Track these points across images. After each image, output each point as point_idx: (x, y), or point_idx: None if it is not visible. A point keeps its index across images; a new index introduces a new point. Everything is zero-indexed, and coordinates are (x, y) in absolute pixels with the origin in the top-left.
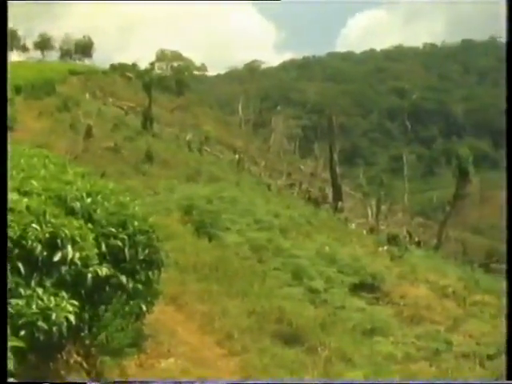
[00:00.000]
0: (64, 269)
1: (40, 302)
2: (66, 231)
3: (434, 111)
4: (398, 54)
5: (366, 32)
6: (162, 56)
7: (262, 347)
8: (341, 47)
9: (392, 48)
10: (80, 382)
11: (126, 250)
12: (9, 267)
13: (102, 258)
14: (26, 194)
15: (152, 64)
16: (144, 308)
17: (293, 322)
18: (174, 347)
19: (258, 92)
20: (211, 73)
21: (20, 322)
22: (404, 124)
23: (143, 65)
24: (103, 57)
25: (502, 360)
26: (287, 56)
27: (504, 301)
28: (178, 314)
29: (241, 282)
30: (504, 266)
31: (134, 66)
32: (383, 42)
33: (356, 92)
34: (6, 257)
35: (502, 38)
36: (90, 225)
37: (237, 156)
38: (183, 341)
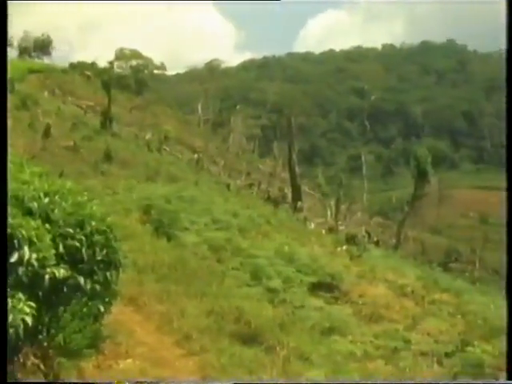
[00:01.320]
0: (21, 270)
1: None
2: (23, 232)
3: (392, 112)
4: (357, 55)
5: (326, 32)
6: (121, 55)
7: (220, 347)
8: (300, 47)
9: (351, 49)
10: (85, 382)
11: (84, 250)
12: None
13: (60, 258)
14: None
15: (111, 63)
16: (102, 309)
17: (251, 322)
18: (132, 348)
19: (218, 91)
20: (171, 72)
21: None
22: (363, 124)
23: (102, 64)
24: (62, 55)
25: (459, 358)
26: (247, 56)
27: (463, 299)
28: (136, 315)
29: (199, 282)
30: (460, 265)
31: (93, 64)
32: (343, 43)
33: (315, 92)
34: (6, 257)
35: (461, 40)
36: (47, 225)
37: (196, 156)
38: (141, 341)
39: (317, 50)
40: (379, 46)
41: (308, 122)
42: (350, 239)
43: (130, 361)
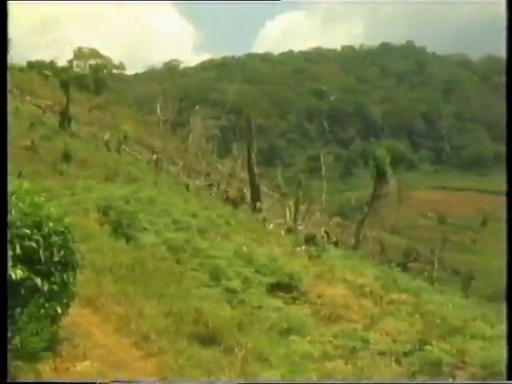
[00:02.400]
0: None
1: None
2: None
3: (352, 112)
4: (316, 56)
5: (285, 33)
6: (79, 54)
7: (178, 348)
8: (260, 48)
9: (311, 50)
10: (82, 382)
11: (41, 251)
12: None
13: (17, 259)
14: None
15: (70, 62)
16: (60, 310)
17: (210, 323)
18: (89, 350)
19: (177, 92)
20: (130, 72)
21: None
22: (322, 125)
23: (61, 63)
24: (20, 54)
25: (417, 357)
26: (206, 56)
27: (421, 298)
28: (94, 316)
29: (158, 282)
30: (419, 264)
31: (52, 63)
32: (302, 44)
33: (274, 93)
34: (6, 258)
35: (420, 42)
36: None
37: (155, 156)
38: (99, 343)
39: (276, 50)
40: (338, 48)
41: (267, 123)
42: (309, 239)
43: (87, 363)
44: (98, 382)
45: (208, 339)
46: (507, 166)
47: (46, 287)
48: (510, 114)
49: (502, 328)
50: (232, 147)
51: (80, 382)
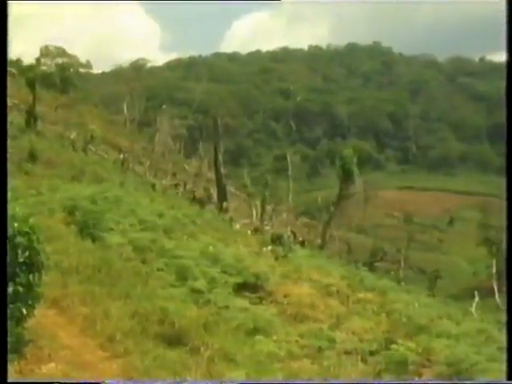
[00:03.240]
0: None
1: None
2: None
3: (318, 112)
4: (283, 56)
5: (251, 33)
6: (46, 52)
7: (144, 349)
8: (227, 48)
9: (277, 49)
10: (81, 382)
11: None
12: None
13: None
14: None
15: (36, 60)
16: (25, 312)
17: (176, 323)
18: (55, 351)
19: (144, 91)
20: (96, 70)
21: None
22: (289, 125)
23: (27, 61)
24: None
25: (383, 356)
26: (173, 56)
27: (388, 298)
28: (59, 318)
29: (124, 283)
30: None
31: (18, 61)
32: (269, 44)
33: (241, 92)
34: (6, 259)
35: (386, 42)
36: None
37: (121, 156)
38: (65, 345)
39: (243, 50)
40: (305, 47)
41: (234, 123)
42: (276, 239)
43: (52, 365)
44: (103, 381)
45: (174, 339)
46: (507, 166)
47: (10, 288)
48: (509, 116)
49: (468, 326)
50: (199, 147)
51: (81, 382)
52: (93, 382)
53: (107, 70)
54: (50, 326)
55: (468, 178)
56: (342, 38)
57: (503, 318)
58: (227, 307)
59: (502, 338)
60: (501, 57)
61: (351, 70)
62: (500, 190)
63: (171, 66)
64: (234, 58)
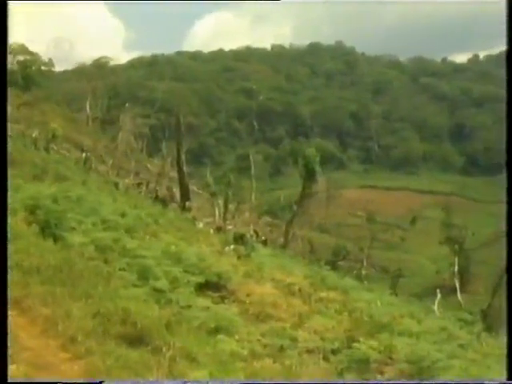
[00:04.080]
0: None
1: None
2: None
3: (281, 112)
4: (246, 55)
5: (214, 33)
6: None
7: (106, 350)
8: (189, 47)
9: (240, 48)
10: (81, 382)
11: None
12: None
13: None
14: None
15: None
16: None
17: (138, 323)
18: (16, 353)
19: (106, 89)
20: (59, 68)
21: None
22: (251, 124)
23: None
24: None
25: (345, 354)
26: (136, 54)
27: (350, 296)
28: (20, 318)
29: (85, 283)
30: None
31: None
32: (232, 43)
33: (204, 91)
34: (6, 256)
35: (349, 42)
36: None
37: (84, 154)
38: (26, 346)
39: (206, 49)
40: (268, 47)
41: (197, 122)
42: (238, 238)
43: (14, 367)
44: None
45: (136, 340)
46: (507, 166)
47: None
48: (509, 115)
49: (429, 324)
50: (161, 146)
51: (82, 381)
52: (93, 382)
53: (70, 67)
54: (11, 327)
55: (430, 178)
56: (305, 37)
57: (465, 315)
58: (189, 307)
59: (463, 335)
60: (463, 57)
61: (314, 70)
62: (462, 189)
63: (134, 64)
64: (196, 56)
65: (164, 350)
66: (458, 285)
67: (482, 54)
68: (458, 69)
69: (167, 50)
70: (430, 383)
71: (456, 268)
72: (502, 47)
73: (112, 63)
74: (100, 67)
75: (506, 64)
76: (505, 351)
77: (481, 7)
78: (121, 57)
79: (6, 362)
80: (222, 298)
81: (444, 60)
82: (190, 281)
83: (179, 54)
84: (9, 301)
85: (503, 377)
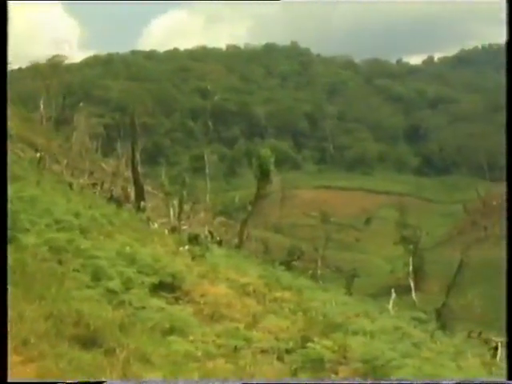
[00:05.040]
0: None
1: None
2: None
3: (236, 112)
4: (201, 55)
5: (169, 32)
6: None
7: (59, 352)
8: (145, 46)
9: (196, 48)
10: (82, 381)
11: None
12: None
13: None
14: None
15: None
16: None
17: (91, 325)
18: None
19: (61, 88)
20: (13, 66)
21: None
22: (206, 124)
23: None
24: None
25: (300, 354)
26: (91, 53)
27: (304, 296)
28: None
29: (39, 284)
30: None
31: None
32: (187, 43)
33: (159, 91)
34: (6, 258)
35: (304, 43)
36: None
37: (38, 154)
38: None
39: (161, 48)
40: (223, 47)
41: (152, 121)
42: (193, 239)
43: None
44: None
45: (89, 341)
46: (507, 166)
47: None
48: (509, 114)
49: (384, 323)
50: (116, 146)
51: (83, 381)
52: (93, 381)
53: (24, 65)
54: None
55: (385, 178)
56: (260, 37)
57: (419, 314)
58: (143, 307)
59: (417, 334)
60: (417, 59)
61: (269, 70)
62: (417, 190)
63: (89, 63)
64: (151, 56)
65: (117, 351)
66: (412, 284)
67: (436, 56)
68: (412, 70)
69: (122, 49)
70: (439, 382)
71: (410, 268)
72: (457, 49)
73: (67, 62)
74: (55, 66)
75: (506, 63)
76: (453, 349)
77: (436, 8)
78: (75, 55)
79: (6, 362)
80: (177, 299)
81: (399, 61)
82: (144, 281)
83: (134, 53)
84: (9, 301)
85: (463, 375)
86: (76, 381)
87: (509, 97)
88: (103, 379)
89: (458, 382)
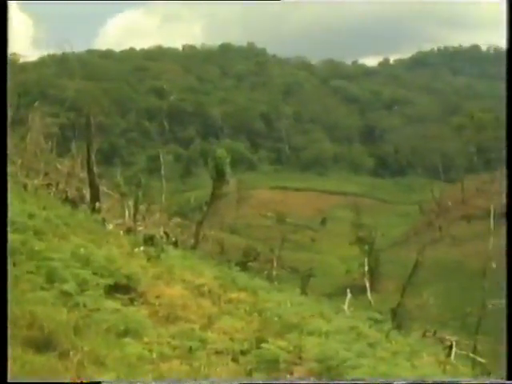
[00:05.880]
0: None
1: None
2: None
3: (192, 112)
4: (157, 54)
5: (126, 31)
6: None
7: (12, 355)
8: (101, 45)
9: (152, 48)
10: (82, 382)
11: None
12: None
13: None
14: None
15: None
16: None
17: (45, 327)
18: None
19: (16, 87)
20: None
21: None
22: (162, 124)
23: None
24: None
25: (254, 355)
26: (46, 52)
27: (260, 297)
28: None
29: None
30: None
31: None
32: (143, 42)
33: (115, 91)
34: (6, 256)
35: (260, 43)
36: None
37: None
38: None
39: (117, 48)
40: (179, 47)
41: (107, 121)
42: (148, 240)
43: None
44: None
45: (43, 344)
46: (507, 166)
47: None
48: (509, 115)
49: (339, 323)
50: (71, 146)
51: (83, 381)
52: (93, 381)
53: None
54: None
55: (340, 179)
56: (216, 38)
57: (374, 314)
58: (98, 309)
59: (373, 334)
60: (373, 61)
61: (225, 71)
62: (372, 190)
63: (44, 62)
64: (107, 55)
65: (72, 354)
66: (368, 284)
67: (392, 58)
68: (368, 72)
69: (78, 47)
70: (438, 383)
71: (366, 268)
72: (413, 51)
73: (22, 60)
74: (9, 64)
75: (506, 64)
76: (408, 349)
77: (393, 10)
78: (30, 54)
79: (6, 361)
80: (132, 301)
81: (355, 63)
82: (98, 283)
83: (90, 52)
84: (9, 301)
85: (418, 374)
86: (76, 381)
87: (509, 97)
88: (100, 379)
89: (464, 381)
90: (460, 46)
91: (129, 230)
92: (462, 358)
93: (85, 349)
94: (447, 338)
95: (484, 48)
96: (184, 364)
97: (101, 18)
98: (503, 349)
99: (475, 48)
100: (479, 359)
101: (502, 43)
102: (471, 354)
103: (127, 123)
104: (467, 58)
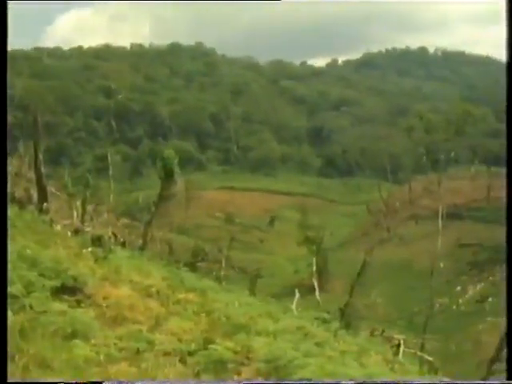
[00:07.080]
0: None
1: None
2: None
3: (140, 112)
4: (106, 53)
5: (74, 30)
6: None
7: None
8: (48, 43)
9: (100, 46)
10: (83, 382)
11: None
12: None
13: None
14: None
15: None
16: None
17: None
18: None
19: None
20: None
21: None
22: (110, 124)
23: None
24: None
25: (202, 355)
26: None
27: (208, 297)
28: None
29: None
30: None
31: None
32: (91, 41)
33: (62, 89)
34: (6, 257)
35: (210, 43)
36: None
37: None
38: None
39: (65, 46)
40: (128, 46)
41: (55, 120)
42: (96, 241)
43: None
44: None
45: None
46: (507, 165)
47: None
48: (509, 116)
49: (287, 323)
50: (18, 145)
51: (82, 382)
52: (93, 381)
53: None
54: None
55: (288, 179)
56: (164, 37)
57: (322, 314)
58: (45, 312)
59: (320, 333)
60: (321, 61)
61: (173, 70)
62: (319, 190)
63: None
64: (55, 53)
65: (17, 358)
66: (316, 284)
67: (340, 59)
68: (316, 72)
69: (25, 45)
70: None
71: (314, 268)
72: (361, 53)
73: None
74: None
75: (506, 67)
76: (356, 348)
77: (341, 11)
78: None
79: (5, 361)
80: (79, 302)
81: (303, 64)
82: (45, 285)
83: (37, 50)
84: (8, 301)
85: (366, 373)
86: (76, 381)
87: (509, 97)
88: (101, 379)
89: (464, 382)
90: (407, 47)
91: (77, 231)
92: (409, 356)
93: (30, 352)
94: (395, 336)
95: (431, 50)
96: (132, 366)
97: (48, 16)
98: (451, 347)
99: (422, 50)
100: (427, 357)
101: (449, 45)
102: (419, 353)
103: (75, 122)
104: (414, 60)
